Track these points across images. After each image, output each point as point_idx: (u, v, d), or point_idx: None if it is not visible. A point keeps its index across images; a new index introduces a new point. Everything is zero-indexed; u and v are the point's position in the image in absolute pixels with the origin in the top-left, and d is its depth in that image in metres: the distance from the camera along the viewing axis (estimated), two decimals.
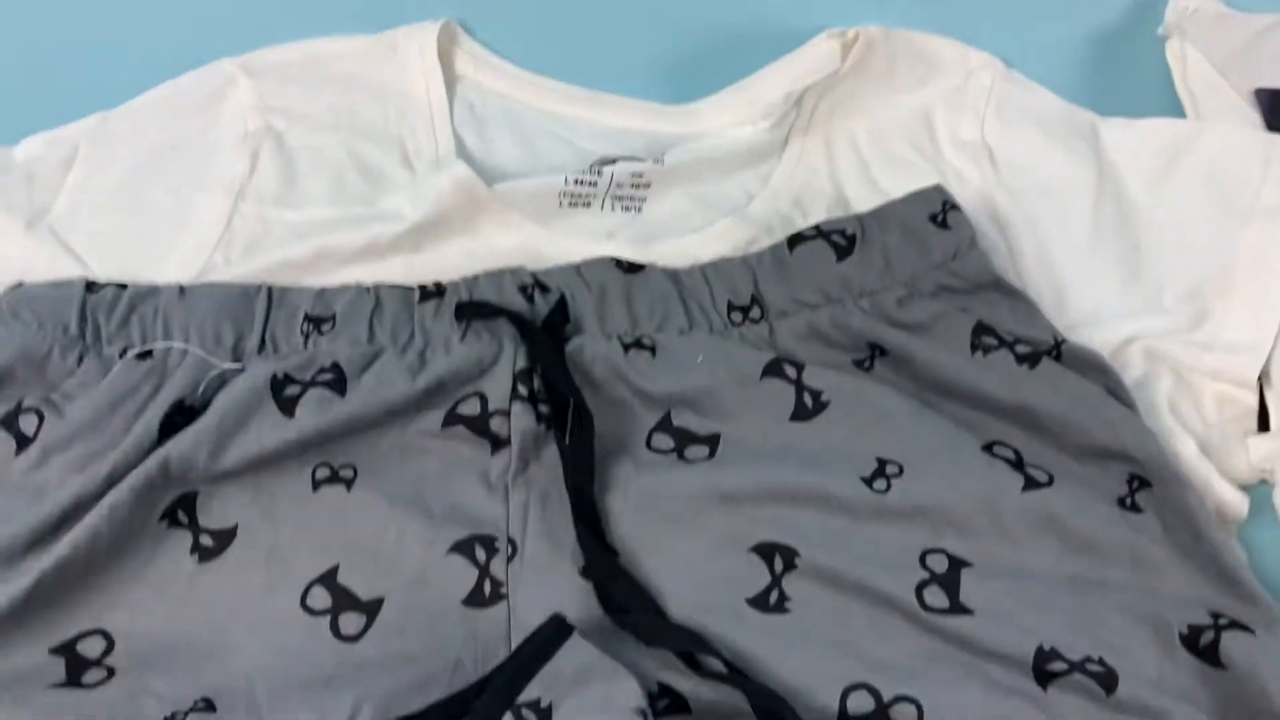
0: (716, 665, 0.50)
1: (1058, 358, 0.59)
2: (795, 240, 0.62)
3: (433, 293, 0.60)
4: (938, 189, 0.63)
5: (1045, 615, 0.52)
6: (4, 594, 0.50)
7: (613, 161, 0.67)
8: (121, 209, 0.64)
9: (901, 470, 0.55)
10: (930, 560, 0.53)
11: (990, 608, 0.52)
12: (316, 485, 0.55)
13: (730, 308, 0.61)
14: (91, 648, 0.51)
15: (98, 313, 0.58)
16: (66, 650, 0.51)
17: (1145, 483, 0.56)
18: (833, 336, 0.60)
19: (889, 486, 0.55)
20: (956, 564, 0.53)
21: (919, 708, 0.49)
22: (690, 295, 0.61)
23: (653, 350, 0.59)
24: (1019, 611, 0.52)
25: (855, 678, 0.50)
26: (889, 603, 0.52)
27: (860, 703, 0.50)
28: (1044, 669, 0.50)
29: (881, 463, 0.56)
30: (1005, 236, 0.66)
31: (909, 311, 0.60)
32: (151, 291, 0.59)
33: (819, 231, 0.62)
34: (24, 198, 0.64)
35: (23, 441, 0.55)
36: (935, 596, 0.52)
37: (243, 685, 0.50)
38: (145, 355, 0.57)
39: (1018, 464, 0.56)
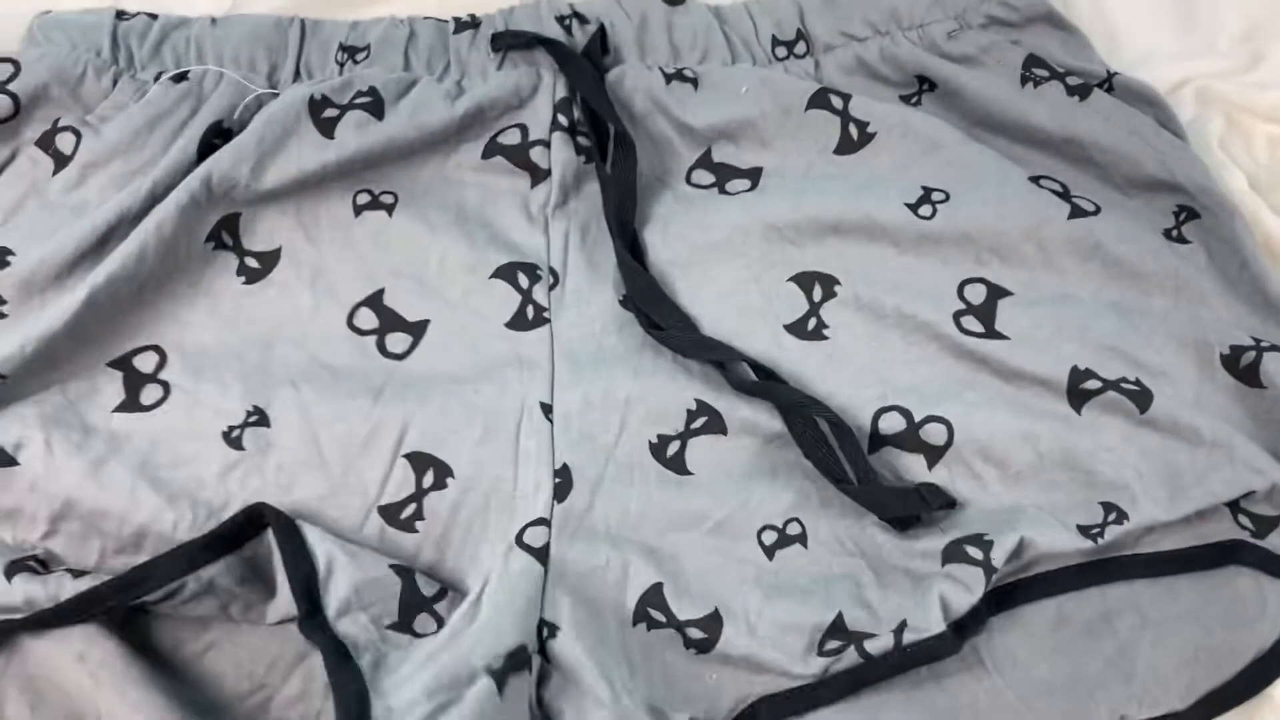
0: (748, 374, 0.51)
1: (1109, 89, 0.57)
2: None
3: (468, 24, 0.59)
4: None
5: (1083, 339, 0.52)
6: (61, 308, 0.50)
7: None
8: None
9: (948, 197, 0.55)
10: (968, 291, 0.53)
11: (1026, 334, 0.52)
12: (358, 210, 0.55)
13: (775, 42, 0.59)
14: (146, 362, 0.52)
15: (130, 39, 0.57)
16: (123, 365, 0.52)
17: (1193, 214, 0.55)
18: (880, 70, 0.59)
19: (934, 212, 0.54)
20: (995, 293, 0.53)
21: (949, 427, 0.50)
22: (733, 29, 0.60)
23: (695, 82, 0.58)
24: (1056, 337, 0.52)
25: (887, 400, 0.51)
26: (925, 329, 0.53)
27: (891, 423, 0.51)
28: (1078, 388, 0.51)
29: (927, 190, 0.55)
30: None
31: (959, 44, 0.58)
32: (183, 21, 0.58)
33: None
34: None
35: (61, 160, 0.55)
36: (972, 324, 0.52)
37: (292, 397, 0.51)
38: (180, 78, 0.56)
39: (1064, 194, 0.55)
